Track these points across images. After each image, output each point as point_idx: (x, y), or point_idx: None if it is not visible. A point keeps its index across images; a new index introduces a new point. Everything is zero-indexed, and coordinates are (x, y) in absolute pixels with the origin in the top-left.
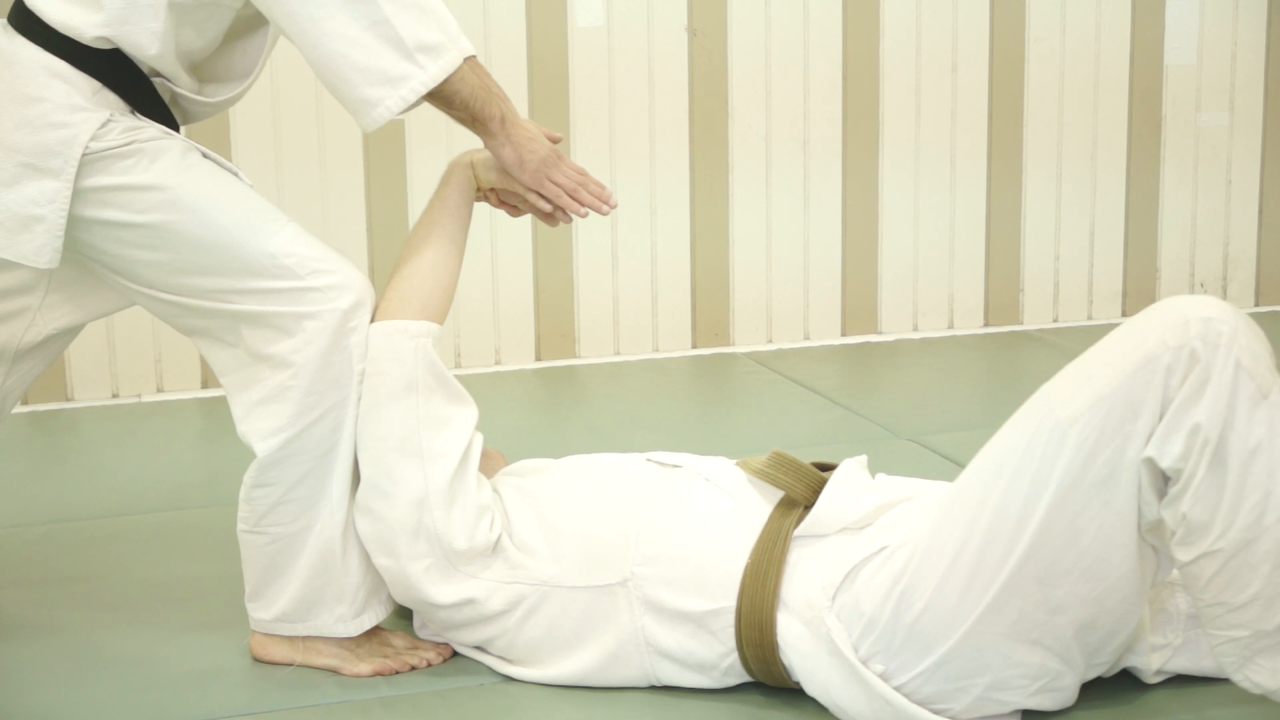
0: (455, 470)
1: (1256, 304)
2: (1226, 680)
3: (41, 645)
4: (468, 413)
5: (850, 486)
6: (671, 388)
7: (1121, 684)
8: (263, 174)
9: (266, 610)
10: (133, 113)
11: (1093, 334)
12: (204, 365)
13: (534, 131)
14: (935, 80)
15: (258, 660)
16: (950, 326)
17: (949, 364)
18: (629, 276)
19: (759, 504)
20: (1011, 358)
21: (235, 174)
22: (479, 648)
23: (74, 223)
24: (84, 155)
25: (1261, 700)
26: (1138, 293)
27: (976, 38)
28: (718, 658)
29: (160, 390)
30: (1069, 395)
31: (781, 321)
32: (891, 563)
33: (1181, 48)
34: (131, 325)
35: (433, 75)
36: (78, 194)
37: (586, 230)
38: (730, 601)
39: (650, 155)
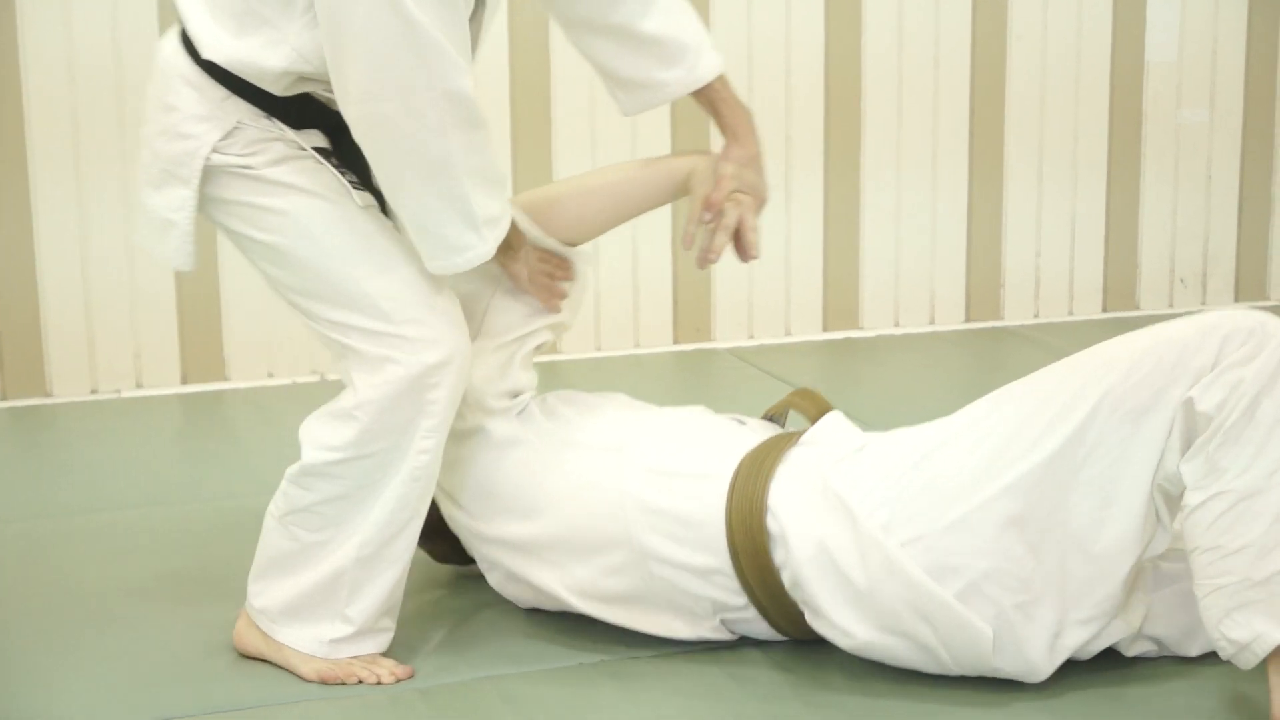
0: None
1: (1235, 300)
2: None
3: (20, 641)
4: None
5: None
6: (652, 383)
7: (1097, 677)
8: None
9: (258, 598)
10: (267, 117)
11: (1074, 330)
12: (184, 361)
13: (530, 247)
14: (917, 77)
15: (236, 644)
16: (931, 322)
17: (930, 360)
18: (611, 272)
19: (768, 430)
20: (993, 354)
21: (368, 195)
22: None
23: (216, 224)
24: (205, 166)
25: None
26: (1118, 289)
27: (958, 35)
28: (704, 519)
29: (140, 386)
30: (1130, 337)
31: (763, 317)
32: (915, 436)
33: (1162, 45)
34: (111, 320)
35: (489, 248)
36: (207, 200)
37: None
38: (728, 473)
39: (632, 153)
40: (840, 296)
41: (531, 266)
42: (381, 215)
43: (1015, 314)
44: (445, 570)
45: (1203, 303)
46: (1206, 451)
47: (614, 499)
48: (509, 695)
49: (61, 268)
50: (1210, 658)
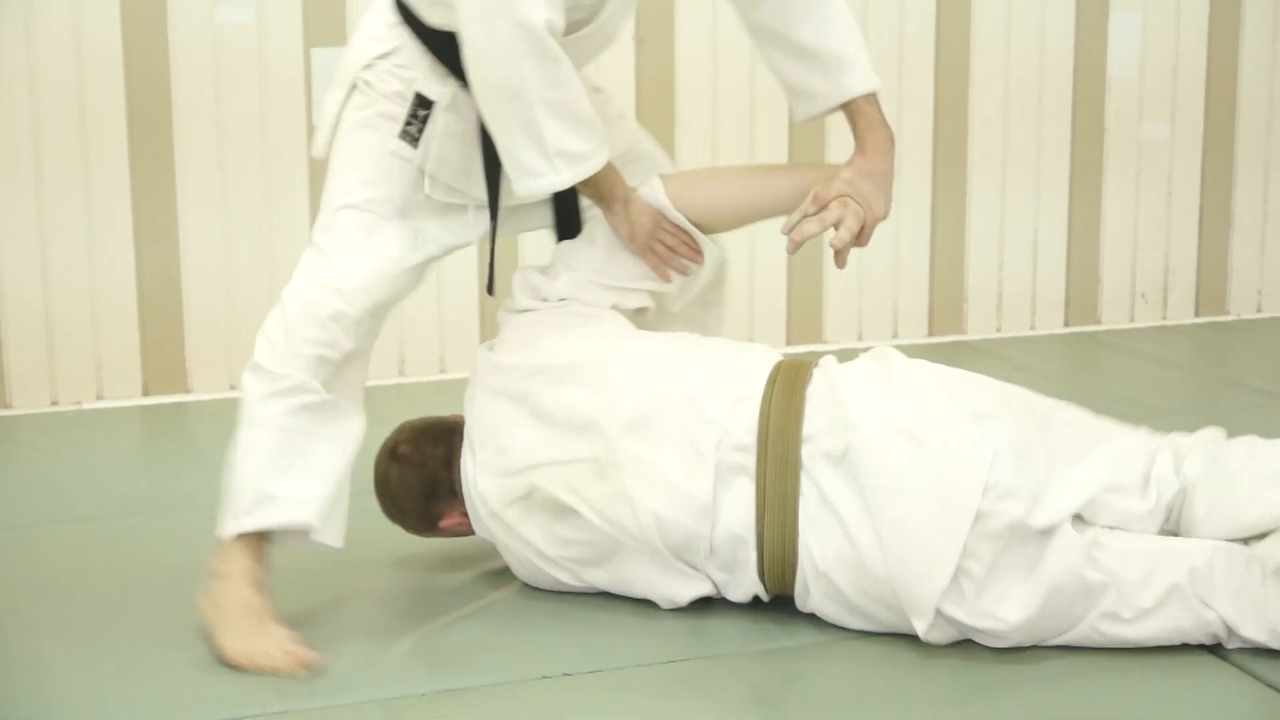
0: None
1: (1196, 315)
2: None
3: None
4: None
5: None
6: None
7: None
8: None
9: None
10: (424, 51)
11: (1036, 344)
12: (146, 372)
13: (646, 209)
14: (881, 89)
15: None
16: (895, 336)
17: None
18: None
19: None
20: (955, 367)
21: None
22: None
23: None
24: (353, 78)
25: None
26: (1080, 302)
27: (921, 47)
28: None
29: (100, 398)
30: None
31: (725, 331)
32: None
33: (1124, 60)
34: (71, 331)
35: (564, 180)
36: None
37: None
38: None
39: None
40: (803, 310)
41: (644, 229)
42: (408, 164)
43: (978, 328)
44: (413, 581)
45: (1163, 317)
46: None
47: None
48: (470, 708)
49: (21, 278)
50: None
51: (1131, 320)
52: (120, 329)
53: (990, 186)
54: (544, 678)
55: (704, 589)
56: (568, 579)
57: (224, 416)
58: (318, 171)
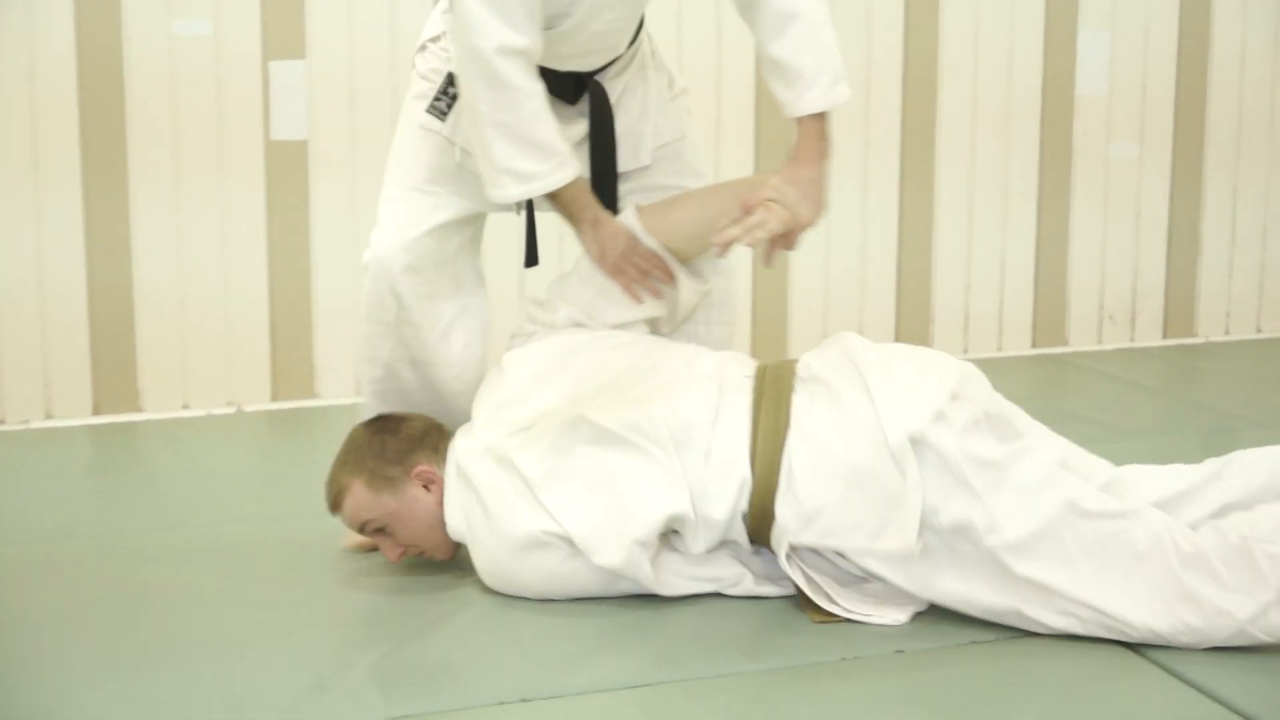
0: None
1: (1164, 336)
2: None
3: None
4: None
5: None
6: None
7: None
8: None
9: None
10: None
11: (1002, 366)
12: (96, 391)
13: (618, 230)
14: (848, 107)
15: None
16: None
17: None
18: None
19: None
20: None
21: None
22: None
23: None
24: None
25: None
26: (1048, 324)
27: (889, 64)
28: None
29: (50, 417)
30: None
31: None
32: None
33: (1093, 79)
34: (20, 349)
35: (512, 195)
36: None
37: None
38: None
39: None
40: (768, 328)
41: (614, 249)
42: (435, 135)
43: (944, 348)
44: (367, 602)
45: (1131, 339)
46: None
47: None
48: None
49: None
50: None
51: (1099, 342)
52: (70, 346)
53: (957, 205)
54: (501, 703)
55: (682, 501)
56: (540, 522)
57: (176, 437)
58: (275, 187)
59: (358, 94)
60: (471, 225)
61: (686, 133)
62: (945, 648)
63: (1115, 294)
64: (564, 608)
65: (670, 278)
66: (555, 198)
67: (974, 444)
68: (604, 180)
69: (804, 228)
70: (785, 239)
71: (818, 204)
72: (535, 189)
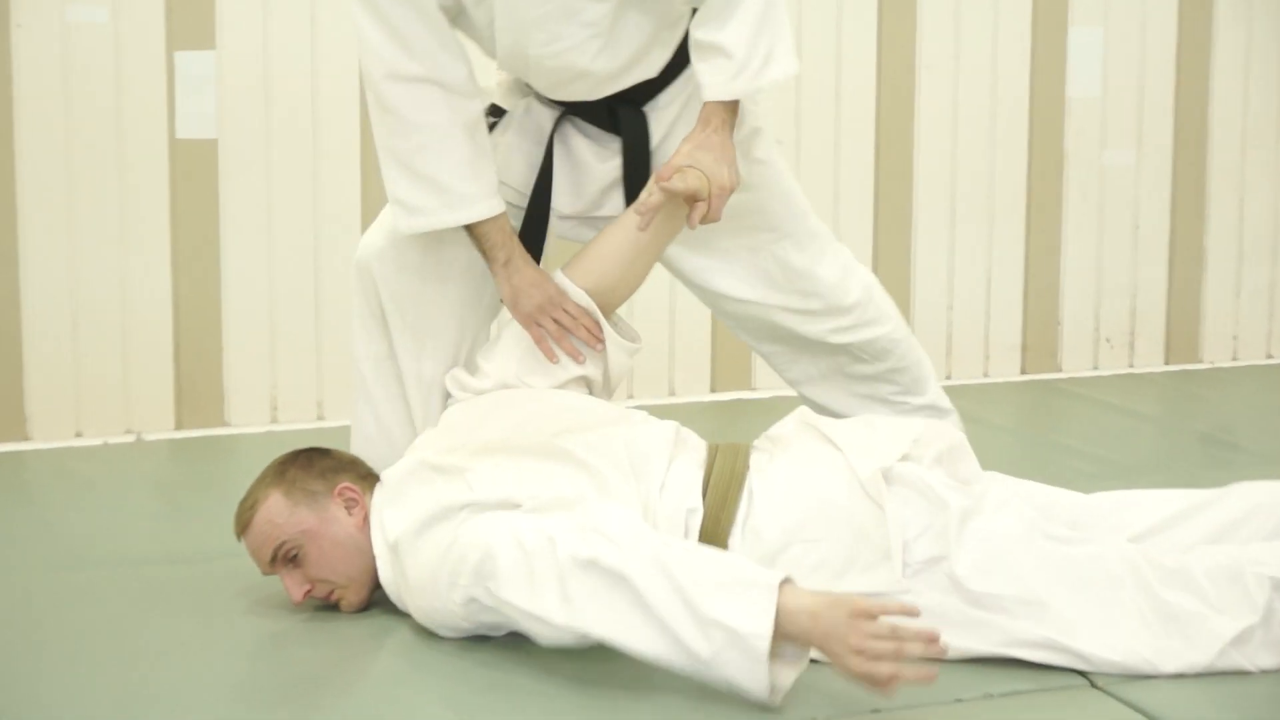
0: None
1: (1166, 363)
2: None
3: None
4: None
5: None
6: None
7: None
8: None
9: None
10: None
11: (988, 393)
12: None
13: (537, 280)
14: (817, 110)
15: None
16: None
17: None
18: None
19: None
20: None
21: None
22: None
23: None
24: None
25: None
26: (1038, 347)
27: (862, 64)
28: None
29: None
30: None
31: (643, 377)
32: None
33: (1084, 79)
34: None
35: (408, 226)
36: None
37: None
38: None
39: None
40: (729, 354)
41: (529, 298)
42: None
43: None
44: (279, 661)
45: (1130, 365)
46: None
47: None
48: None
49: None
50: None
51: (1095, 367)
52: None
53: (938, 218)
54: None
55: (633, 508)
56: (476, 531)
57: (68, 468)
58: (181, 191)
59: (274, 88)
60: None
61: (757, 183)
62: (926, 706)
63: (1112, 315)
64: (496, 649)
65: (597, 338)
66: (473, 233)
67: (944, 475)
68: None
69: (723, 191)
70: (709, 207)
71: (734, 169)
72: (422, 224)
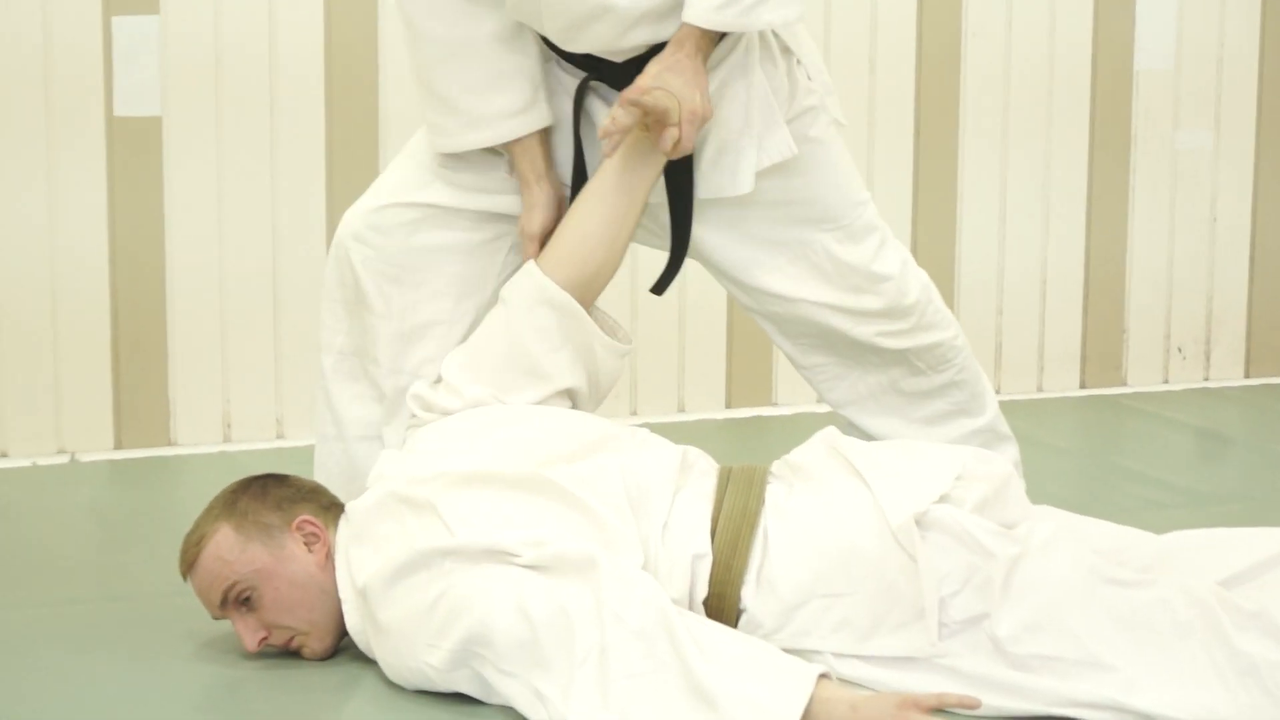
0: None
1: (1246, 375)
2: None
3: None
4: None
5: None
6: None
7: None
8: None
9: None
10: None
11: (1043, 410)
12: None
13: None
14: (850, 82)
15: None
16: None
17: None
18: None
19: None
20: None
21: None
22: None
23: None
24: None
25: None
26: (1100, 357)
27: (900, 31)
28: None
29: None
30: None
31: (650, 392)
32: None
33: (1155, 50)
34: None
35: (437, 146)
36: None
37: None
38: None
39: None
40: (747, 365)
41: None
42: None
43: None
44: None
45: (1205, 377)
46: None
47: None
48: None
49: None
50: None
51: (1165, 381)
52: None
53: (985, 209)
54: None
55: (635, 555)
56: (469, 590)
57: None
58: (120, 175)
59: (225, 58)
60: (485, 229)
61: (809, 165)
62: None
63: (1185, 319)
64: (474, 700)
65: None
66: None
67: (989, 521)
68: (680, 212)
69: (694, 117)
70: (680, 133)
71: (705, 94)
72: (445, 145)
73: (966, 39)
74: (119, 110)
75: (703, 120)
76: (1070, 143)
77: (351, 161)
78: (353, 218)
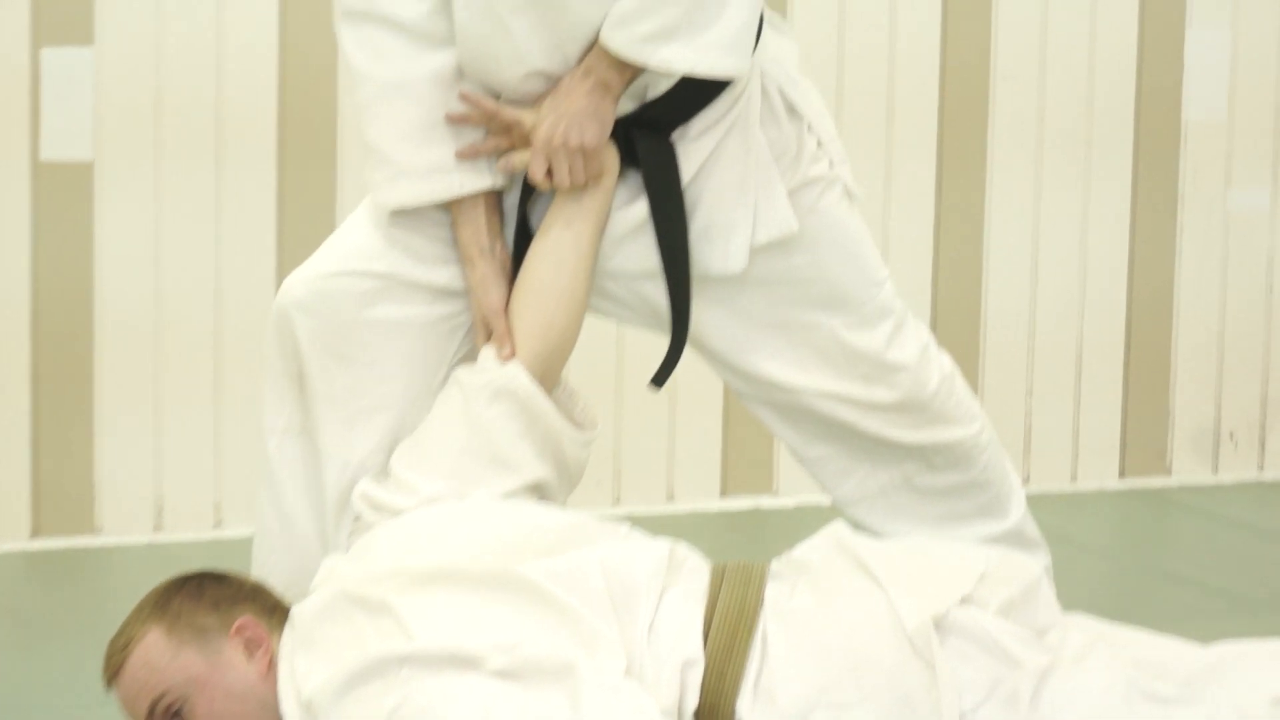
0: None
1: None
2: None
3: None
4: None
5: None
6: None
7: None
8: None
9: None
10: None
11: (1078, 504)
12: None
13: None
14: (864, 133)
15: None
16: None
17: None
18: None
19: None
20: None
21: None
22: None
23: None
24: None
25: None
26: (1141, 446)
27: (921, 71)
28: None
29: None
30: None
31: (639, 477)
32: None
33: (1206, 99)
34: None
35: (376, 198)
36: None
37: None
38: None
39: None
40: (743, 449)
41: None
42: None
43: None
44: None
45: (1260, 467)
46: None
47: None
48: None
49: None
50: None
51: (1215, 472)
52: None
53: (1014, 277)
54: None
55: (618, 660)
56: (427, 702)
57: None
58: (45, 226)
59: (166, 97)
60: (445, 304)
61: (813, 240)
62: None
63: (1237, 403)
64: None
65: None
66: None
67: (1016, 626)
68: (678, 294)
69: (542, 143)
70: (548, 161)
71: (579, 126)
72: (379, 199)
73: (995, 83)
74: (46, 154)
75: (586, 153)
76: (1110, 202)
77: (305, 215)
78: (298, 284)
